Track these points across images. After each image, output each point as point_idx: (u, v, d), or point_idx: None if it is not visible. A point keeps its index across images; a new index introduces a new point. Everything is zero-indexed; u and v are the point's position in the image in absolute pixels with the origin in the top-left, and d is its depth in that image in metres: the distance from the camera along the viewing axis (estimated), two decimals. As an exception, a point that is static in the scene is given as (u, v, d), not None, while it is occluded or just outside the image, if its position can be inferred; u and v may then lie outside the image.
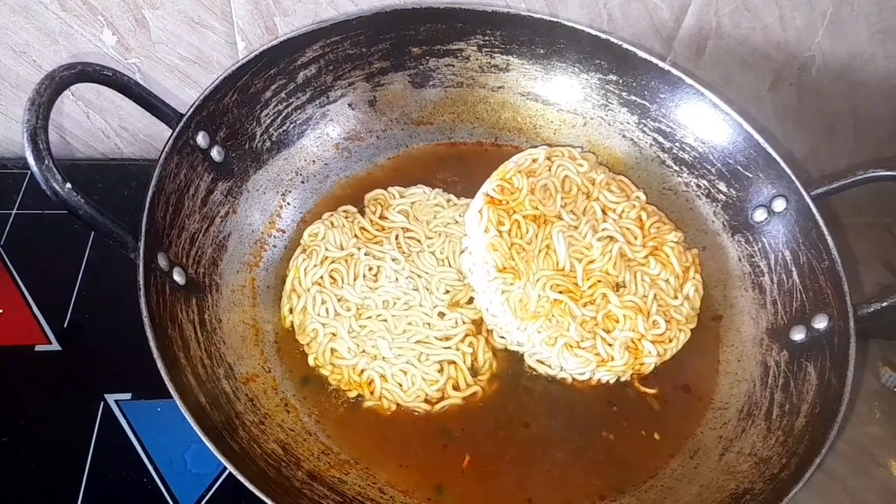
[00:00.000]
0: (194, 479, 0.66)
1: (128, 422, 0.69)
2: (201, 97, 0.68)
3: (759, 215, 0.76)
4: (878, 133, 0.94)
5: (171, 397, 0.55)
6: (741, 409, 0.69)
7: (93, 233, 0.65)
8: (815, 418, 0.63)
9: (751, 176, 0.77)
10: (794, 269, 0.72)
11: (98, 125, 0.91)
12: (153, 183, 0.62)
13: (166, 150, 0.64)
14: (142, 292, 0.57)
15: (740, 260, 0.78)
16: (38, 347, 0.74)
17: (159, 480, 0.66)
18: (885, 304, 0.65)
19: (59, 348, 0.74)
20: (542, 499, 0.64)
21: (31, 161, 0.52)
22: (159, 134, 0.69)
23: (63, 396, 0.71)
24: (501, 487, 0.64)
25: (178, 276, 0.63)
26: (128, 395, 0.71)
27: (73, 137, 0.92)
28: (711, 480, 0.63)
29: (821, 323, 0.68)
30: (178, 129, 0.66)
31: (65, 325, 0.75)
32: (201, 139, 0.69)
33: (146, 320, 0.56)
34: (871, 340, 0.84)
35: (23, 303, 0.77)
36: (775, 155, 0.74)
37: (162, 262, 0.62)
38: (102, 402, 0.70)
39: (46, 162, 0.53)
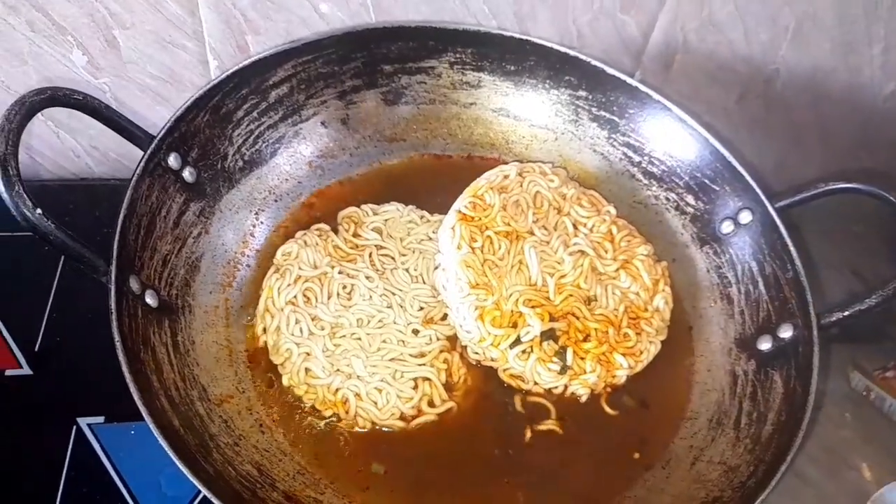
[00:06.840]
0: (169, 502, 0.66)
1: (101, 445, 0.69)
2: (172, 118, 0.68)
3: (726, 227, 0.78)
4: (844, 143, 0.96)
5: (144, 419, 0.54)
6: (711, 419, 0.70)
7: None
8: (781, 426, 0.64)
9: (717, 189, 0.79)
10: (759, 279, 0.74)
11: (68, 145, 0.90)
12: (125, 206, 0.62)
13: (138, 172, 0.64)
14: (114, 317, 0.57)
15: (708, 271, 0.79)
16: (9, 372, 0.73)
17: (133, 504, 0.66)
18: (846, 312, 0.67)
19: (30, 372, 0.73)
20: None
21: (0, 188, 0.52)
22: (130, 153, 0.69)
23: (35, 421, 0.70)
24: (480, 504, 0.64)
25: (150, 299, 0.63)
26: (100, 419, 0.70)
27: (43, 157, 0.91)
28: (682, 490, 0.65)
29: (786, 332, 0.69)
30: (149, 152, 0.66)
31: (36, 349, 0.74)
32: (173, 160, 0.68)
33: (119, 345, 0.56)
34: (840, 344, 0.86)
35: (-8, 327, 0.76)
36: (740, 168, 0.76)
37: (134, 285, 0.61)
38: (75, 426, 0.69)
39: (16, 188, 0.53)
